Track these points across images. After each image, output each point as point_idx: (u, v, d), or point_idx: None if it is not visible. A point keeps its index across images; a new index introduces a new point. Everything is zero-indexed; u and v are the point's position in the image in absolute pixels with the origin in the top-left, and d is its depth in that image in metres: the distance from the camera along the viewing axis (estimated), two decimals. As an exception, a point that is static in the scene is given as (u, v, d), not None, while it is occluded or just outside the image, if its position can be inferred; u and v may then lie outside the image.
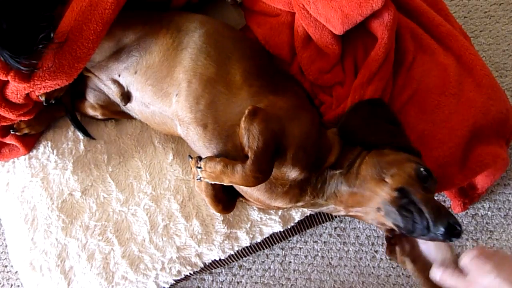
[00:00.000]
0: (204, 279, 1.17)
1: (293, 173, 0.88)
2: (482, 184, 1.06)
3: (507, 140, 1.05)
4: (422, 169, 0.81)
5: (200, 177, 0.91)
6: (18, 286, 1.30)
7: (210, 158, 0.90)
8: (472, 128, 0.96)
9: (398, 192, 0.79)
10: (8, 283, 1.31)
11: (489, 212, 1.11)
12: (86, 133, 1.13)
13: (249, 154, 0.84)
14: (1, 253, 1.33)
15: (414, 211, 0.76)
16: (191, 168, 1.06)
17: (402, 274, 1.11)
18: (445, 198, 1.13)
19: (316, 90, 1.05)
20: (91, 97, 1.11)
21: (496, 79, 1.04)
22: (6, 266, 1.32)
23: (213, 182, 0.91)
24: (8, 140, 1.12)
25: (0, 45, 0.90)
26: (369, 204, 0.84)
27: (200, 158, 0.98)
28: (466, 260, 0.69)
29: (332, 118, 0.99)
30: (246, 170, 0.84)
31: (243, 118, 0.86)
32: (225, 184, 0.89)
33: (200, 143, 0.95)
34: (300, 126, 0.88)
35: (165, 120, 1.00)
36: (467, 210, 1.10)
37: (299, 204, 0.95)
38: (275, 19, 1.06)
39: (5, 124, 1.08)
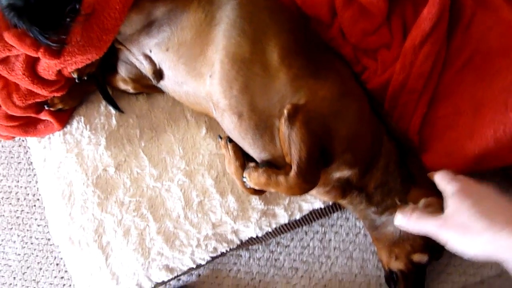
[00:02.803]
0: (241, 256, 1.14)
1: (337, 174, 0.83)
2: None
3: None
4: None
5: (247, 184, 0.90)
6: (61, 258, 1.33)
7: (253, 169, 0.87)
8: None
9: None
10: (51, 256, 1.35)
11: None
12: (116, 107, 1.10)
13: (292, 165, 0.78)
14: (44, 226, 1.36)
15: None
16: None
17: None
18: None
19: (359, 54, 0.95)
20: (122, 71, 1.07)
21: None
22: (49, 239, 1.36)
23: (261, 189, 0.89)
24: (43, 116, 1.12)
25: (29, 21, 0.88)
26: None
27: (229, 139, 0.93)
28: (448, 191, 0.69)
29: (378, 85, 0.90)
30: (290, 182, 0.79)
31: (282, 121, 0.79)
32: (272, 191, 0.87)
33: (236, 133, 0.89)
34: (347, 124, 0.80)
35: (200, 101, 0.95)
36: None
37: (343, 202, 0.90)
38: (314, -24, 0.96)
39: (39, 100, 1.07)
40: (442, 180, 0.73)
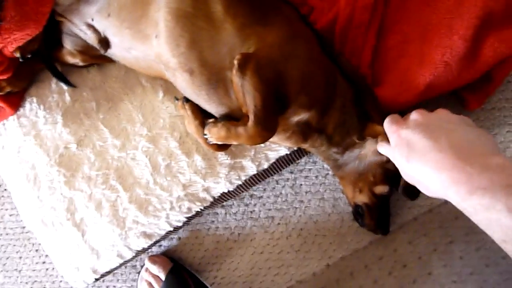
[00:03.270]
0: (217, 213, 1.16)
1: (295, 118, 0.83)
2: (498, 75, 0.97)
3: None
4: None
5: (211, 142, 0.91)
6: (39, 244, 1.32)
7: (212, 124, 0.87)
8: (482, 13, 0.86)
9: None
10: (29, 243, 1.33)
11: (505, 104, 1.04)
12: (67, 82, 1.07)
13: (249, 115, 0.78)
14: (17, 215, 1.33)
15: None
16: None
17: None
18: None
19: (304, -7, 0.94)
20: (68, 44, 1.03)
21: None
22: (24, 227, 1.34)
23: (222, 143, 0.90)
24: (-7, 102, 1.08)
25: None
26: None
27: (186, 100, 0.92)
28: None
29: (326, 24, 0.90)
30: (249, 131, 0.79)
31: (234, 71, 0.78)
32: (234, 143, 0.88)
33: (190, 91, 0.88)
34: (298, 66, 0.80)
35: (151, 64, 0.92)
36: (482, 106, 1.03)
37: (305, 146, 0.91)
38: None
39: (-16, 85, 1.02)
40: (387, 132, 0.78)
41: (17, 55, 0.97)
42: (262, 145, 1.01)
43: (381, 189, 0.92)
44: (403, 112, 0.82)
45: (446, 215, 1.04)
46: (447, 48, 0.87)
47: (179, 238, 1.19)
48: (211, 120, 0.89)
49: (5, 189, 1.35)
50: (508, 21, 0.90)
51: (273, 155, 1.01)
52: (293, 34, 0.83)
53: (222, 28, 0.82)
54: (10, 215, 1.35)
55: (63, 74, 1.07)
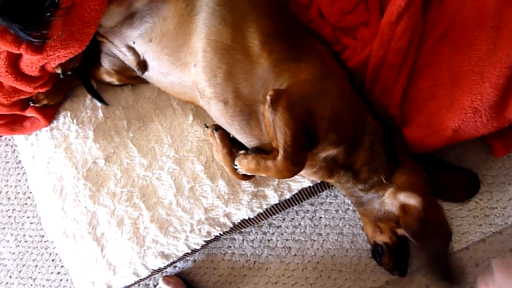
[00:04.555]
0: (235, 239, 1.17)
1: (323, 154, 0.85)
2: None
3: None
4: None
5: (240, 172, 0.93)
6: (56, 254, 1.34)
7: (243, 156, 0.89)
8: (513, 66, 0.87)
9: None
10: (46, 252, 1.35)
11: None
12: (101, 100, 1.11)
13: (279, 149, 0.80)
14: (37, 224, 1.36)
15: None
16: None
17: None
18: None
19: (338, 34, 0.97)
20: (106, 63, 1.08)
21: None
22: (43, 236, 1.36)
23: (251, 174, 0.92)
24: (29, 113, 1.12)
25: (9, 18, 0.88)
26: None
27: (216, 127, 0.95)
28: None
29: (358, 63, 0.92)
30: (278, 165, 0.81)
31: (266, 107, 0.81)
32: (263, 176, 0.91)
33: (223, 120, 0.91)
34: (329, 104, 0.82)
35: (185, 90, 0.96)
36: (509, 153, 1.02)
37: (330, 181, 0.93)
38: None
39: (23, 97, 1.06)
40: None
41: (58, 71, 1.01)
42: (286, 175, 1.02)
43: (402, 232, 0.91)
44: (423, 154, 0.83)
45: (467, 261, 1.03)
46: (477, 95, 0.88)
47: (195, 261, 1.19)
48: (242, 152, 0.91)
49: (29, 197, 1.39)
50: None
51: (296, 186, 1.02)
52: (325, 73, 0.86)
53: (258, 62, 0.84)
54: (31, 223, 1.38)
55: (98, 92, 1.11)
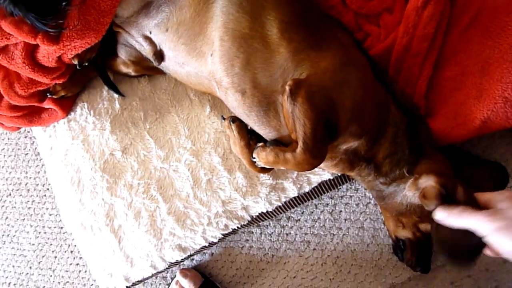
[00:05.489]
0: (252, 232, 1.15)
1: (344, 146, 0.82)
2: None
3: None
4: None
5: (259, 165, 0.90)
6: (75, 245, 1.35)
7: (261, 148, 0.87)
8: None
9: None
10: (65, 243, 1.36)
11: None
12: (118, 91, 1.10)
13: (298, 141, 0.77)
14: (56, 215, 1.37)
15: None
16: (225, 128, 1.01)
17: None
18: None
19: (360, 21, 0.93)
20: (122, 54, 1.06)
21: None
22: (61, 228, 1.37)
23: (270, 167, 0.90)
24: (46, 104, 1.12)
25: (25, 8, 0.87)
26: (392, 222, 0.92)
27: (233, 119, 0.92)
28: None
29: (381, 51, 0.89)
30: (297, 158, 0.79)
31: (285, 97, 0.78)
32: (282, 169, 0.89)
33: (240, 110, 0.88)
34: (350, 94, 0.79)
35: (202, 81, 0.94)
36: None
37: (351, 174, 0.90)
38: None
39: (41, 88, 1.06)
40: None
41: (75, 62, 1.00)
42: (305, 168, 0.99)
43: (427, 226, 0.88)
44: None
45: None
46: (508, 84, 0.83)
47: (212, 254, 1.18)
48: (260, 144, 0.89)
49: (48, 189, 1.39)
50: None
51: (316, 179, 1.00)
52: (347, 62, 0.82)
53: (277, 51, 0.82)
54: (50, 215, 1.39)
55: (115, 83, 1.10)
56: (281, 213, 1.06)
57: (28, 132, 1.43)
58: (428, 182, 0.80)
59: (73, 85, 1.11)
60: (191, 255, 1.07)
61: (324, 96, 0.77)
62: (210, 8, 0.87)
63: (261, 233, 1.15)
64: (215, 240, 1.06)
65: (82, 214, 1.09)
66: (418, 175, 0.84)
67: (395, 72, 0.89)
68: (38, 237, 1.38)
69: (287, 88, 0.78)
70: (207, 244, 1.06)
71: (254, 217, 1.03)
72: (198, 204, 1.02)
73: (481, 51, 0.87)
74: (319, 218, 1.11)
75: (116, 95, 1.10)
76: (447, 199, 0.74)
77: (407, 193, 0.86)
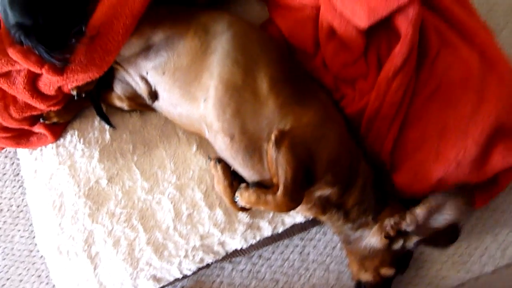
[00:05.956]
0: (224, 268, 1.20)
1: (318, 192, 0.92)
2: (504, 180, 1.06)
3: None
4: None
5: (240, 205, 0.98)
6: (43, 270, 1.34)
7: (244, 189, 0.95)
8: (495, 124, 0.97)
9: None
10: (33, 267, 1.35)
11: (508, 207, 1.12)
12: (109, 123, 1.16)
13: (279, 185, 0.87)
14: (27, 238, 1.37)
15: None
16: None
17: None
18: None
19: (339, 83, 1.06)
20: (118, 89, 1.13)
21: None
22: (31, 251, 1.36)
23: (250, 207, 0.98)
24: (37, 128, 1.16)
25: (36, 40, 0.93)
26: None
27: (219, 160, 1.01)
28: None
29: (355, 111, 1.01)
30: (278, 201, 0.88)
31: (270, 145, 0.88)
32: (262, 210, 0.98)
33: (227, 153, 0.97)
34: (328, 148, 0.90)
35: (192, 122, 1.02)
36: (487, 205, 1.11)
37: (322, 218, 0.99)
38: (300, 12, 1.07)
39: (35, 113, 1.11)
40: None
41: (74, 93, 1.06)
42: (281, 209, 1.07)
43: (387, 271, 0.97)
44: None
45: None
46: (461, 149, 0.97)
47: (182, 287, 1.22)
48: (243, 184, 0.97)
49: (21, 211, 1.40)
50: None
51: (289, 221, 1.08)
52: (326, 118, 0.94)
53: (265, 103, 0.92)
54: (21, 237, 1.38)
55: (107, 115, 1.17)
56: (253, 250, 1.12)
57: (9, 152, 1.44)
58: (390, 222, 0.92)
59: (66, 113, 1.16)
60: (164, 286, 1.11)
61: (304, 148, 0.88)
62: (207, 58, 0.97)
63: (232, 269, 1.20)
64: (190, 273, 1.10)
65: (60, 238, 1.11)
66: (381, 222, 0.94)
67: (365, 131, 1.01)
68: (5, 258, 1.37)
69: (272, 137, 0.88)
70: (181, 276, 1.10)
71: (229, 253, 1.09)
72: (178, 236, 1.08)
73: (439, 119, 1.00)
74: (288, 258, 1.18)
75: (107, 126, 1.16)
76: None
77: (371, 239, 0.96)
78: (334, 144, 0.91)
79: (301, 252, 1.18)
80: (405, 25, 0.96)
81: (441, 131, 1.00)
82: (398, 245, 0.95)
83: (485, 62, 1.02)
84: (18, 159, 1.35)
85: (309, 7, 1.05)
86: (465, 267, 1.09)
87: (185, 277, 1.11)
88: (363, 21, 0.95)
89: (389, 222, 0.93)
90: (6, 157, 1.44)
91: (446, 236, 1.06)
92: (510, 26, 1.20)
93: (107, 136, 1.16)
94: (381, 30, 1.04)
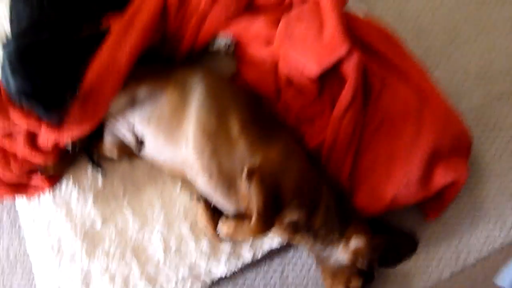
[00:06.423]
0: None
1: (288, 217, 1.06)
2: (449, 195, 1.22)
3: (466, 156, 1.23)
4: None
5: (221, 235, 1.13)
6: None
7: (225, 220, 1.11)
8: (433, 148, 1.13)
9: None
10: (31, 313, 1.42)
11: (455, 220, 1.28)
12: (101, 170, 1.29)
13: (253, 213, 1.02)
14: (24, 285, 1.44)
15: None
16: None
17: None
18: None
19: (300, 122, 1.23)
20: (108, 140, 1.26)
21: (451, 106, 1.23)
22: (29, 298, 1.44)
23: (230, 237, 1.12)
24: (35, 182, 1.28)
25: (35, 100, 1.08)
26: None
27: (200, 198, 1.16)
28: None
29: (315, 146, 1.18)
30: (252, 228, 1.03)
31: (243, 180, 1.04)
32: (240, 238, 1.12)
33: (207, 190, 1.12)
34: (292, 179, 1.06)
35: (176, 166, 1.16)
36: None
37: (295, 241, 1.13)
38: (262, 66, 1.26)
39: (33, 168, 1.24)
40: None
41: (68, 147, 1.20)
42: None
43: (355, 284, 1.10)
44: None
45: None
46: (407, 172, 1.14)
47: (175, 318, 1.30)
48: (223, 216, 1.12)
49: (19, 260, 1.48)
50: (454, 153, 1.18)
51: (267, 247, 1.21)
52: (289, 153, 1.10)
53: (237, 143, 1.08)
54: (18, 285, 1.46)
55: (99, 163, 1.30)
56: (238, 277, 1.24)
57: (5, 204, 1.54)
58: (357, 243, 1.08)
59: (62, 165, 1.29)
60: (157, 317, 1.21)
61: (272, 179, 1.03)
62: (186, 108, 1.13)
63: (219, 297, 1.30)
64: (179, 302, 1.21)
65: (60, 278, 1.21)
66: (347, 239, 1.09)
67: (326, 161, 1.18)
68: (3, 307, 1.43)
69: (244, 173, 1.03)
70: (172, 306, 1.21)
71: (215, 280, 1.21)
72: (167, 269, 1.19)
73: (387, 146, 1.18)
74: (270, 282, 1.30)
75: (99, 173, 1.30)
76: None
77: (339, 256, 1.10)
78: (297, 174, 1.06)
79: (280, 276, 1.29)
80: (349, 71, 1.15)
81: (389, 157, 1.17)
82: (362, 264, 1.10)
83: (420, 97, 1.21)
84: (16, 211, 1.45)
85: (269, 62, 1.24)
86: (426, 275, 1.23)
87: (176, 307, 1.22)
88: (313, 71, 1.14)
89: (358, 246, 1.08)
90: (3, 211, 1.54)
91: (406, 249, 1.21)
92: (443, 65, 1.41)
93: (99, 182, 1.29)
94: (333, 76, 1.22)
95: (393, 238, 1.18)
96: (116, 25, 1.16)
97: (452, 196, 1.23)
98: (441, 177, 1.15)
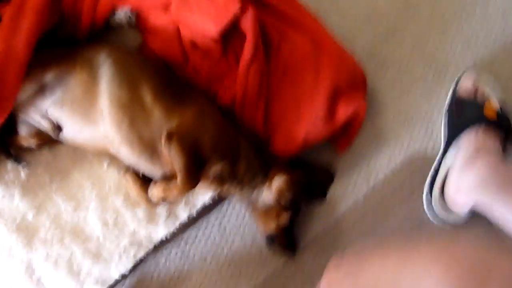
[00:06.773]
0: (158, 261, 1.35)
1: (212, 169, 1.15)
2: (353, 128, 1.37)
3: (363, 90, 1.38)
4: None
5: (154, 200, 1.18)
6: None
7: (153, 185, 1.16)
8: (331, 87, 1.26)
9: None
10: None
11: (362, 150, 1.44)
12: (20, 162, 1.27)
13: (177, 174, 1.09)
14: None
15: None
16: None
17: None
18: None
19: (210, 83, 1.30)
20: (23, 130, 1.24)
21: (344, 47, 1.37)
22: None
23: (162, 200, 1.16)
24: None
25: None
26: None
27: (127, 169, 1.21)
28: None
29: (228, 102, 1.27)
30: (180, 186, 1.10)
31: (163, 144, 1.10)
32: (171, 199, 1.16)
33: (132, 160, 1.16)
34: (209, 133, 1.14)
35: (98, 143, 1.19)
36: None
37: (224, 191, 1.22)
38: (165, 33, 1.29)
39: None
40: None
41: (-19, 146, 1.18)
42: (191, 195, 1.29)
43: (284, 216, 1.23)
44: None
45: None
46: (313, 111, 1.27)
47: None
48: (152, 182, 1.17)
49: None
50: (351, 88, 1.32)
51: (200, 203, 1.29)
52: (203, 111, 1.18)
53: (152, 112, 1.13)
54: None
55: (17, 156, 1.28)
56: (178, 237, 1.32)
57: None
58: (278, 182, 1.18)
59: (-22, 165, 1.26)
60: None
61: (190, 138, 1.10)
62: (97, 86, 1.15)
63: (165, 260, 1.38)
64: (128, 272, 1.26)
65: (1, 275, 1.21)
66: (270, 180, 1.20)
67: (239, 115, 1.27)
68: None
69: (163, 137, 1.09)
70: (120, 278, 1.26)
71: (157, 243, 1.28)
72: (109, 243, 1.24)
73: (293, 93, 1.29)
74: (210, 236, 1.39)
75: (20, 166, 1.28)
76: None
77: (265, 197, 1.21)
78: (214, 130, 1.15)
79: (218, 229, 1.39)
80: (246, 27, 1.23)
81: (296, 101, 1.29)
82: (286, 200, 1.21)
83: (315, 44, 1.33)
84: None
85: (171, 28, 1.28)
86: (345, 198, 1.39)
87: (125, 277, 1.27)
88: (212, 32, 1.21)
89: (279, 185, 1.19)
90: None
91: (325, 180, 1.36)
92: (333, 12, 1.53)
93: (22, 175, 1.28)
94: (234, 34, 1.29)
95: (310, 173, 1.31)
96: (6, 13, 1.13)
97: (357, 128, 1.38)
98: (344, 111, 1.29)
